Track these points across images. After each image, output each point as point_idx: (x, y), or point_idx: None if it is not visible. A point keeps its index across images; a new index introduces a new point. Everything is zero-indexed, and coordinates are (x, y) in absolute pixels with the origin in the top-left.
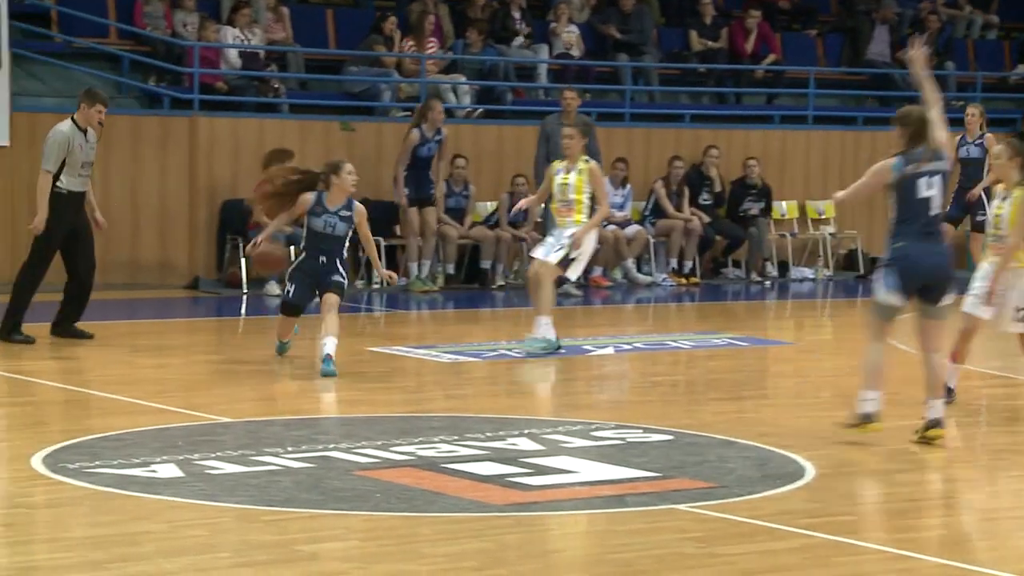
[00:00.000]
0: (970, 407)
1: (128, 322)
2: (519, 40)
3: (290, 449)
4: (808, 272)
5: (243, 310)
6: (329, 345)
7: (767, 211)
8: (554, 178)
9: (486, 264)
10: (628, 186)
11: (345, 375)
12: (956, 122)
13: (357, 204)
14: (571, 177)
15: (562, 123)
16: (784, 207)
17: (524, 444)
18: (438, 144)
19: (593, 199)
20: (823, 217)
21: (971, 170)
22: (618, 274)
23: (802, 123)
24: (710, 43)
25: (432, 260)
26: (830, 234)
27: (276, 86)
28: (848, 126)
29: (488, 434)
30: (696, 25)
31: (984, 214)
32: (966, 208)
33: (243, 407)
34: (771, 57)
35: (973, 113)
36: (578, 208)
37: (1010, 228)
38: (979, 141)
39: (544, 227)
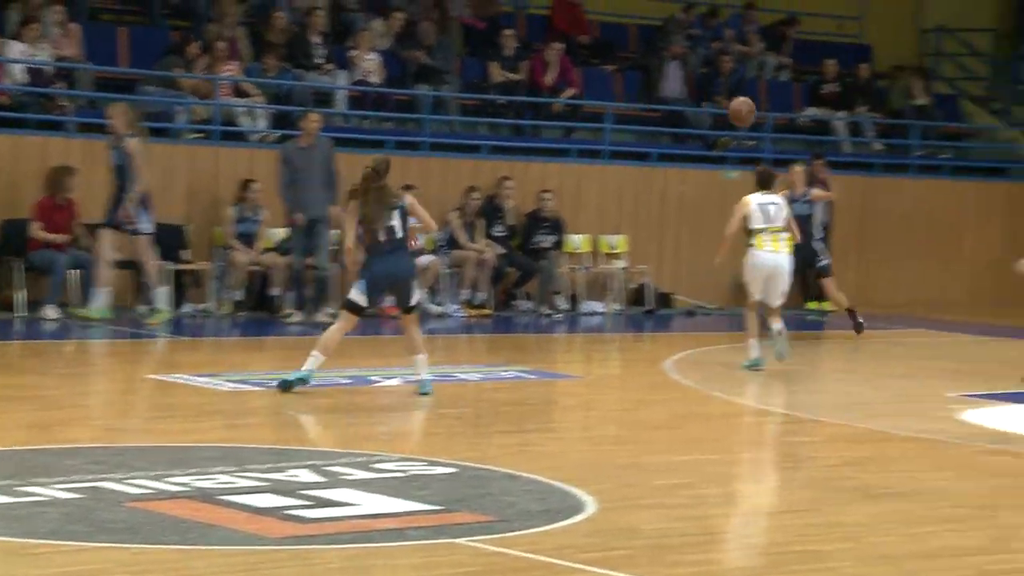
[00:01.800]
0: (750, 442)
1: None
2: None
3: (59, 479)
4: (598, 306)
5: (17, 333)
6: None
7: (560, 244)
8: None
9: (275, 291)
10: None
11: (122, 403)
12: (747, 160)
13: None
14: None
15: (300, 147)
16: (577, 240)
17: (305, 476)
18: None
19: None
20: (615, 251)
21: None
22: None
23: (598, 158)
24: (510, 75)
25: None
26: (621, 268)
27: (62, 104)
28: (642, 162)
29: (268, 465)
30: (497, 56)
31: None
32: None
33: (13, 435)
34: (570, 91)
35: (798, 171)
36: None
37: None
38: (806, 199)
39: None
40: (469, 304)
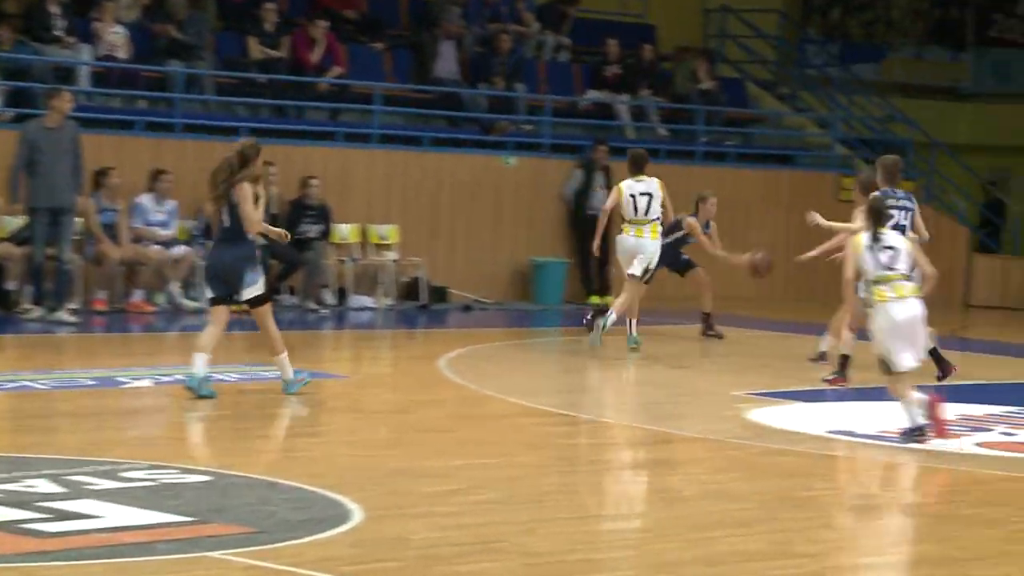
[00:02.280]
0: (528, 445)
1: None
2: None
3: None
4: (368, 300)
5: None
6: None
7: (326, 234)
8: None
9: (10, 286)
10: (173, 202)
11: None
12: (531, 147)
13: None
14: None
15: (47, 128)
16: (345, 230)
17: (43, 486)
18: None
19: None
20: (385, 242)
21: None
22: (162, 299)
23: (366, 142)
24: (271, 52)
25: None
26: (392, 260)
27: None
28: (414, 147)
29: (2, 475)
30: (256, 31)
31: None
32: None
33: None
34: (336, 70)
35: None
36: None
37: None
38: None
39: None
40: None
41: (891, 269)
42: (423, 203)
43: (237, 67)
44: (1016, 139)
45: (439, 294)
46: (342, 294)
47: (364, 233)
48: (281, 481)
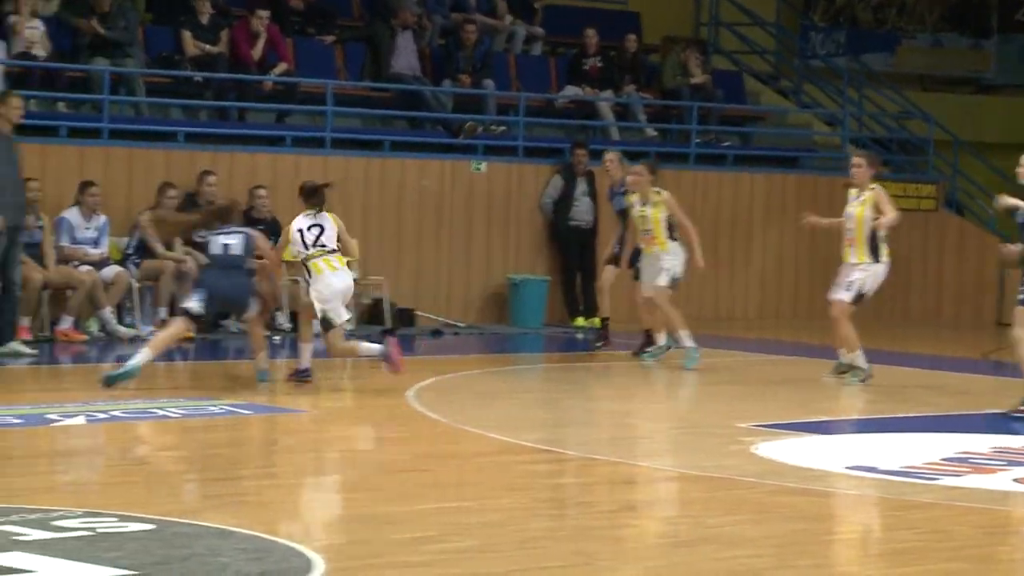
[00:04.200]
0: (508, 486)
1: None
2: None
3: None
4: None
5: None
6: None
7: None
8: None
9: None
10: (103, 217)
11: None
12: (503, 150)
13: None
14: None
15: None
16: None
17: None
18: None
19: None
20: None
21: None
22: (94, 326)
23: (319, 146)
24: (208, 47)
25: None
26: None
27: None
28: (372, 151)
29: None
30: (190, 25)
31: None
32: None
33: None
34: (281, 66)
35: (612, 159)
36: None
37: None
38: (622, 189)
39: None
40: (166, 324)
41: None
42: (384, 215)
43: (170, 65)
44: None
45: (405, 317)
46: (295, 318)
47: None
48: (233, 529)
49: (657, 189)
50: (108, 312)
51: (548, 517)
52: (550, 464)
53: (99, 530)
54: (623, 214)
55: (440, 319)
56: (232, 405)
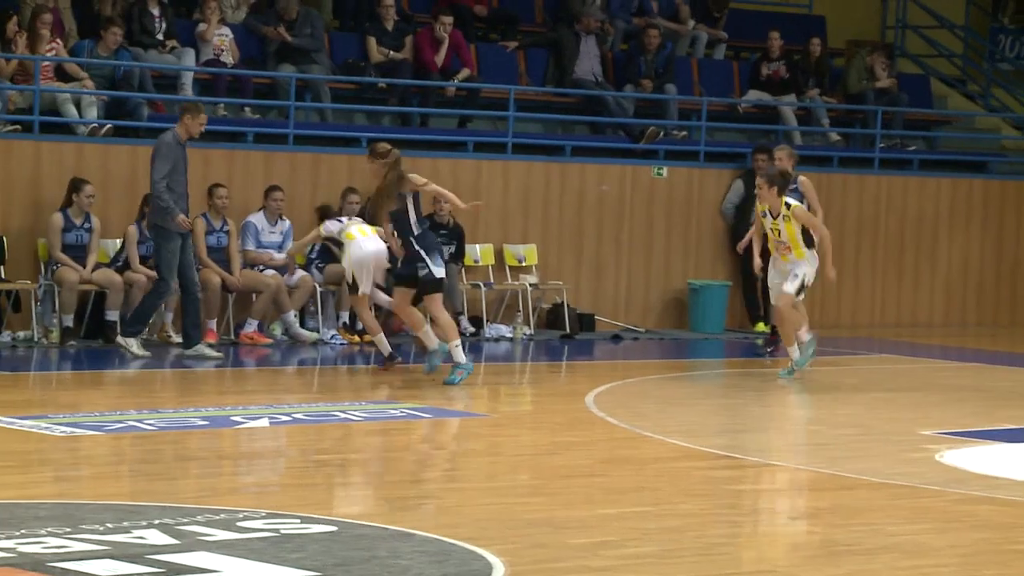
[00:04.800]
0: (687, 492)
1: None
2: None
3: None
4: (505, 330)
5: None
6: None
7: (459, 256)
8: None
9: (113, 316)
10: (287, 222)
11: None
12: (685, 155)
13: None
14: None
15: (180, 144)
16: (478, 251)
17: (154, 537)
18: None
19: None
20: (523, 264)
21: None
22: (277, 330)
23: (500, 152)
24: (392, 53)
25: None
26: (531, 285)
27: None
28: (554, 157)
29: (109, 525)
30: (376, 32)
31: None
32: None
33: None
34: (464, 72)
35: (781, 157)
36: None
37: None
38: (794, 185)
39: None
40: (349, 329)
41: None
42: (565, 220)
43: (355, 72)
44: None
45: (585, 322)
46: (476, 323)
47: (499, 255)
48: (414, 532)
49: (788, 201)
50: (292, 316)
51: (728, 524)
52: (730, 470)
53: (282, 531)
54: None
55: (619, 324)
56: (413, 408)
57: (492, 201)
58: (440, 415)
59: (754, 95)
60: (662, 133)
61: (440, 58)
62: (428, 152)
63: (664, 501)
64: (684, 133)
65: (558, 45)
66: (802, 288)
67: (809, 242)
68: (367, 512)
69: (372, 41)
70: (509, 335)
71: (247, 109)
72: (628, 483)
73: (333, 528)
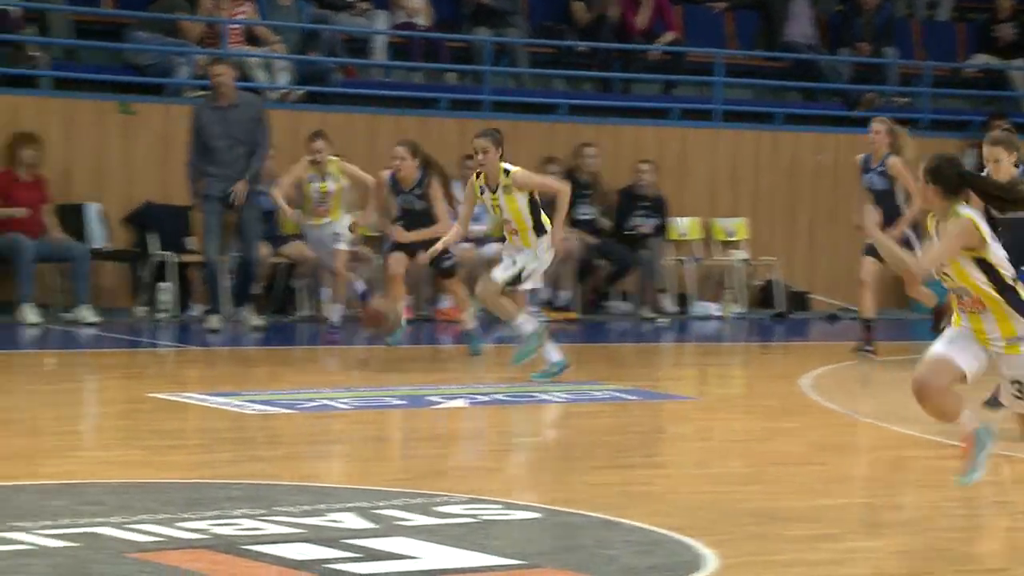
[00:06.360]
0: (913, 482)
1: None
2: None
3: (47, 523)
4: (714, 308)
5: None
6: None
7: (662, 230)
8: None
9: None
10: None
11: (120, 428)
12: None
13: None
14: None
15: (217, 106)
16: (684, 225)
17: (350, 521)
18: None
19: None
20: (733, 239)
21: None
22: (475, 305)
23: (707, 119)
24: (593, 16)
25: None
26: (742, 261)
27: (34, 54)
28: (764, 124)
29: (304, 507)
30: None
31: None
32: None
33: None
34: (669, 36)
35: (879, 130)
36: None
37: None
38: (881, 168)
39: None
40: (549, 306)
41: None
42: (776, 192)
43: (554, 35)
44: None
45: (798, 300)
46: (683, 300)
47: (707, 228)
48: (620, 520)
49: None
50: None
51: (958, 517)
52: (959, 460)
53: (483, 517)
54: (877, 195)
55: (836, 303)
56: (617, 390)
57: (699, 172)
58: (646, 397)
59: (981, 59)
60: (882, 100)
61: (643, 20)
62: (631, 120)
63: (887, 492)
64: (906, 100)
65: (768, 6)
66: None
67: None
68: (571, 498)
69: (575, 3)
70: (718, 313)
71: (444, 74)
72: (847, 472)
73: (537, 515)
